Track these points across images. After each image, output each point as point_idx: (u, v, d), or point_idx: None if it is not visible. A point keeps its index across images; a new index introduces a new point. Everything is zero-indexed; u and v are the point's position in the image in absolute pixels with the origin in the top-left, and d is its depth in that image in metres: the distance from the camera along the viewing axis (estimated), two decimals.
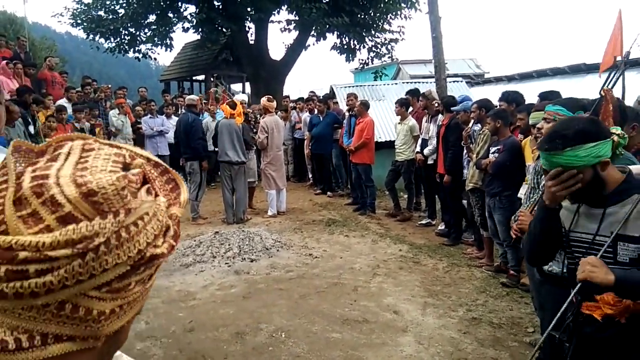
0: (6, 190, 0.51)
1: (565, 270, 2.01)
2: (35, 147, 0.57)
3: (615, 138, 1.76)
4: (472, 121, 5.68)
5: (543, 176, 2.78)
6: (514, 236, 2.81)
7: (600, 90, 2.51)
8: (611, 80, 2.58)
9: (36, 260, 0.50)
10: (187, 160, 7.72)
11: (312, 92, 12.14)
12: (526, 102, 5.19)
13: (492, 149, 4.90)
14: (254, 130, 8.77)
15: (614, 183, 1.76)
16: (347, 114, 8.88)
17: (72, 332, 0.55)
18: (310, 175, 10.73)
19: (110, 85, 11.60)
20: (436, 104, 7.01)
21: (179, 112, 10.60)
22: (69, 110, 8.88)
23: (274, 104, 8.21)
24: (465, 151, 5.78)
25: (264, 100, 8.17)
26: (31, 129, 6.86)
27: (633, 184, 1.77)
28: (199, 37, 16.22)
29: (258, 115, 9.73)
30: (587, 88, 7.85)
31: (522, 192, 4.24)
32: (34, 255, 0.49)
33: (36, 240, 0.49)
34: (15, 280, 0.50)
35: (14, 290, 0.50)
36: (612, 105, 2.47)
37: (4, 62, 8.84)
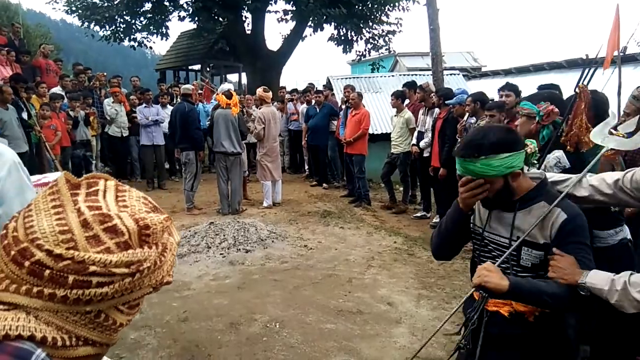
0: (64, 212, 0.64)
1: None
2: (72, 179, 0.70)
3: (528, 150, 1.79)
4: (467, 114, 5.68)
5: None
6: None
7: (576, 87, 2.51)
8: (586, 77, 2.57)
9: (101, 274, 0.62)
10: (183, 151, 7.66)
11: (310, 83, 12.09)
12: (523, 96, 5.19)
13: None
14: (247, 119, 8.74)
15: (523, 191, 1.79)
16: (343, 105, 8.86)
17: (97, 337, 0.67)
18: (306, 167, 10.72)
19: (105, 73, 11.51)
20: (433, 97, 7.01)
21: (174, 102, 10.55)
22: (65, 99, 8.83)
23: (270, 94, 8.17)
24: None
25: (260, 91, 8.13)
26: (25, 115, 6.81)
27: (541, 192, 1.79)
28: (195, 26, 16.08)
29: (252, 108, 9.69)
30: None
31: None
32: (101, 270, 0.62)
33: (105, 258, 0.62)
34: (78, 288, 0.62)
35: (76, 296, 0.62)
36: (584, 104, 2.46)
37: None
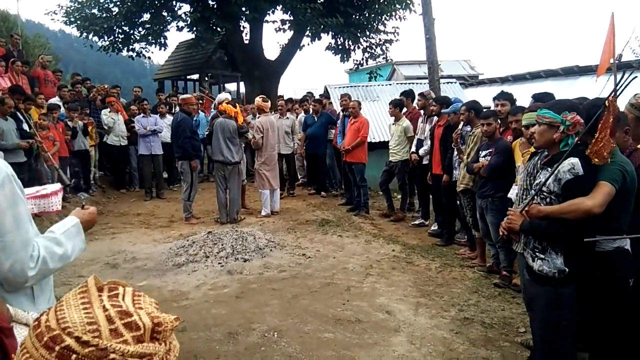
0: (91, 308, 0.75)
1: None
2: (98, 282, 0.81)
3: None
4: (462, 123, 5.70)
5: (536, 177, 2.80)
6: (501, 234, 2.83)
7: (605, 100, 2.49)
8: (621, 87, 2.56)
9: None
10: (179, 160, 7.73)
11: (308, 92, 12.12)
12: (519, 104, 5.21)
13: (483, 152, 4.90)
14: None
15: None
16: (341, 114, 8.89)
17: None
18: (300, 175, 10.69)
19: (106, 86, 11.56)
20: (433, 104, 7.02)
21: (173, 112, 10.59)
22: (62, 109, 8.85)
23: (269, 104, 8.21)
24: (455, 152, 5.80)
25: (258, 100, 8.17)
26: (25, 126, 6.83)
27: None
28: (193, 36, 16.17)
29: (250, 117, 9.75)
30: (580, 90, 7.89)
31: (512, 193, 4.27)
32: (119, 358, 0.71)
33: (124, 348, 0.72)
34: None
35: None
36: (612, 117, 2.44)
37: None
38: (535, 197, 2.60)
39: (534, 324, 2.83)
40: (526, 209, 2.63)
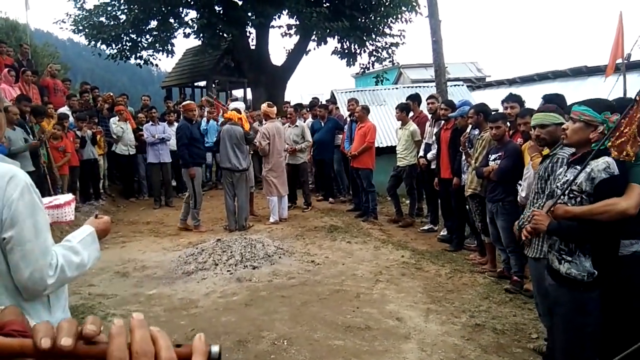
0: None
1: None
2: None
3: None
4: (470, 126, 5.66)
5: (548, 181, 2.76)
6: (524, 238, 2.76)
7: (636, 96, 2.40)
8: None
9: None
10: (182, 168, 7.82)
11: (315, 97, 12.13)
12: (527, 106, 5.17)
13: (492, 156, 4.86)
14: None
15: None
16: (348, 119, 8.87)
17: None
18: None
19: (112, 94, 11.64)
20: (442, 107, 6.95)
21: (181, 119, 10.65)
22: (71, 119, 8.93)
23: (275, 109, 8.21)
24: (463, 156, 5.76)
25: (264, 106, 8.18)
26: (30, 138, 6.87)
27: None
28: (200, 42, 16.26)
29: (256, 123, 9.77)
30: (589, 91, 7.84)
31: (522, 194, 4.18)
32: None
33: None
34: None
35: None
36: None
37: (6, 69, 8.87)
38: (562, 196, 2.52)
39: (557, 330, 2.74)
40: (552, 209, 2.54)
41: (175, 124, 10.20)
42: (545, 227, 2.53)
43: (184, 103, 8.39)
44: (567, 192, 2.50)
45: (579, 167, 2.45)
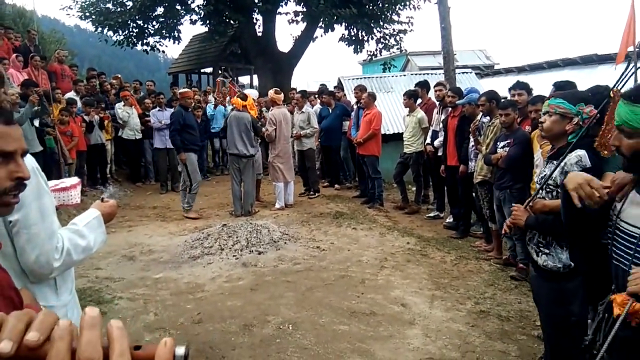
0: None
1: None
2: None
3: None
4: (481, 113, 5.62)
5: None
6: (506, 230, 2.77)
7: (610, 92, 2.43)
8: (623, 79, 2.49)
9: None
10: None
11: (322, 84, 12.07)
12: (536, 94, 5.12)
13: (501, 143, 4.82)
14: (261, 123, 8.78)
15: None
16: (355, 106, 8.83)
17: None
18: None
19: (120, 75, 11.66)
20: (450, 95, 6.89)
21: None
22: (78, 104, 8.96)
23: (282, 96, 8.18)
24: (471, 143, 5.72)
25: (271, 92, 8.15)
26: (36, 122, 6.89)
27: None
28: (206, 29, 16.20)
29: (264, 109, 9.76)
30: (599, 79, 7.73)
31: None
32: None
33: None
34: None
35: None
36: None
37: (14, 55, 8.88)
38: (541, 191, 2.55)
39: (542, 322, 2.80)
40: (531, 204, 2.57)
41: None
42: (523, 222, 2.57)
43: (181, 90, 8.37)
44: (544, 186, 2.52)
45: (555, 162, 2.46)
